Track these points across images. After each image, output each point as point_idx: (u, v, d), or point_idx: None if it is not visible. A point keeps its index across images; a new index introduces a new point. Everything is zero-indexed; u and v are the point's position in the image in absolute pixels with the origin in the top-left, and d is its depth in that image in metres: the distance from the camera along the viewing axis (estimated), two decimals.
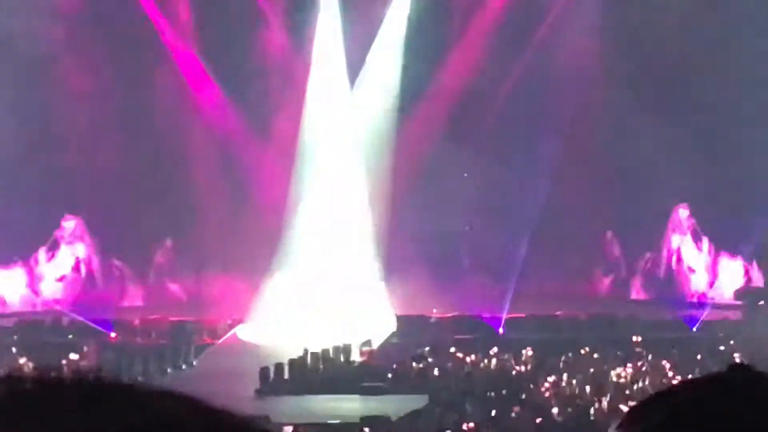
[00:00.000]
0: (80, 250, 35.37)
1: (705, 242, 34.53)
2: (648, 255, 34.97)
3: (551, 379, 26.14)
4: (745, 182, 32.52)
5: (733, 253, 33.96)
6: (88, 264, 35.52)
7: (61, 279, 35.23)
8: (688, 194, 33.96)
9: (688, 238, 34.83)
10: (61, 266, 35.22)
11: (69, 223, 35.00)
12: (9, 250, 34.51)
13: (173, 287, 35.55)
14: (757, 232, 33.15)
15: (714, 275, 34.14)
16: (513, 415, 23.54)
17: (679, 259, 34.76)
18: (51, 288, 35.01)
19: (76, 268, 35.37)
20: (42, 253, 35.13)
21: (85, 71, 34.07)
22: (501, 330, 31.18)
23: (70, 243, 35.26)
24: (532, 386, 25.88)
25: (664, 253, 34.82)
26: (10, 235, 33.55)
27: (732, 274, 34.00)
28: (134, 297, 35.40)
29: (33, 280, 35.11)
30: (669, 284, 34.50)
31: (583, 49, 32.85)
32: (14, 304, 34.67)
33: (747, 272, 33.88)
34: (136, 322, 32.23)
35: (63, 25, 33.97)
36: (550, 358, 28.09)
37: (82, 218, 34.96)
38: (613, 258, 35.06)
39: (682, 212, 34.52)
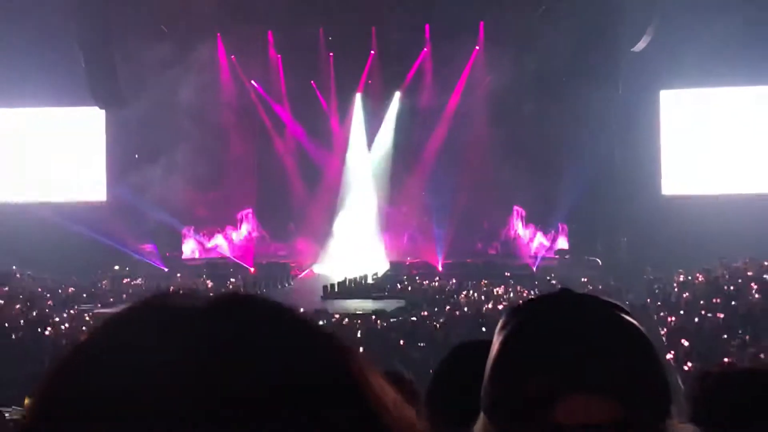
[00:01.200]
0: (245, 226, 36.69)
1: (531, 227, 34.91)
2: (505, 231, 35.42)
3: (464, 293, 27.46)
4: (554, 193, 32.69)
5: (548, 230, 34.40)
6: (249, 233, 36.69)
7: (231, 240, 36.17)
8: (521, 198, 34.03)
9: (520, 223, 35.15)
10: (234, 234, 36.48)
11: (245, 212, 36.56)
12: (210, 224, 36.19)
13: (281, 244, 36.74)
14: (561, 218, 33.54)
15: (539, 242, 34.61)
16: (446, 309, 24.70)
17: (519, 234, 35.18)
18: (227, 245, 36.11)
19: (242, 234, 36.59)
20: (228, 228, 36.41)
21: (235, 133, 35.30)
22: (440, 268, 33.14)
23: (242, 222, 36.60)
24: (455, 296, 27.24)
25: (513, 231, 35.28)
26: (213, 215, 35.70)
27: (550, 241, 34.34)
28: (264, 250, 36.24)
29: (220, 240, 36.22)
30: (518, 247, 34.85)
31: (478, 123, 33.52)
32: (204, 253, 36.03)
33: (556, 239, 34.16)
34: (263, 262, 34.55)
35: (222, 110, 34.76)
36: (464, 283, 29.52)
37: (252, 209, 36.75)
38: (492, 233, 35.95)
39: (518, 208, 34.87)
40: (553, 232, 34.54)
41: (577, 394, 1.20)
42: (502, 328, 1.33)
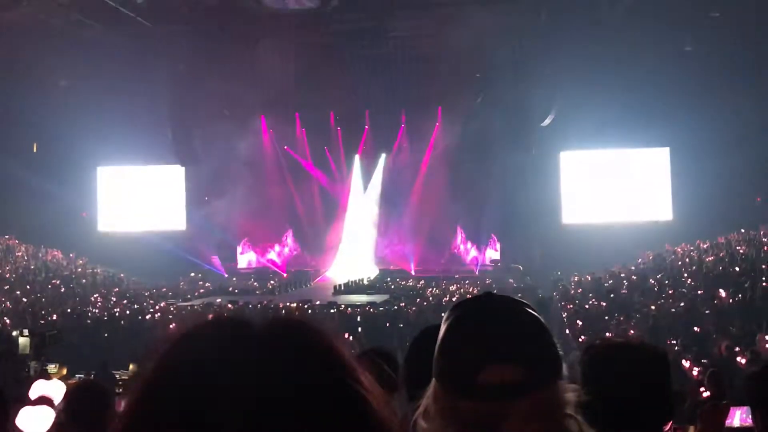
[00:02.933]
0: (285, 244, 36.06)
1: (472, 244, 34.11)
2: (455, 247, 34.64)
3: (429, 290, 27.40)
4: (488, 221, 32.22)
5: (482, 246, 33.68)
6: (285, 249, 36.07)
7: (270, 254, 35.58)
8: (462, 220, 33.51)
9: (463, 242, 34.50)
10: (272, 250, 35.78)
11: (285, 234, 35.89)
12: (257, 243, 35.62)
13: (305, 257, 35.90)
14: (493, 238, 33.30)
15: (479, 254, 33.76)
16: (417, 301, 24.16)
17: (463, 248, 34.47)
18: (268, 257, 35.45)
19: (279, 250, 35.93)
20: (269, 245, 35.75)
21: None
22: (413, 273, 32.73)
23: (283, 241, 35.96)
24: (421, 292, 27.02)
25: (459, 246, 34.62)
26: (259, 237, 35.31)
27: (485, 253, 33.64)
28: (297, 260, 35.79)
29: (264, 254, 35.59)
30: (464, 258, 34.15)
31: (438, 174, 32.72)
32: (253, 263, 35.68)
33: (485, 251, 33.51)
34: (293, 270, 34.44)
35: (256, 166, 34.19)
36: (430, 283, 29.46)
37: (292, 229, 35.93)
38: (446, 248, 34.77)
39: (461, 232, 34.25)
40: (486, 247, 33.95)
41: (494, 363, 1.24)
42: (445, 320, 1.35)
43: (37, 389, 4.52)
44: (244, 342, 0.69)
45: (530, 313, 1.32)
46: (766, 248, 21.74)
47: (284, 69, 26.87)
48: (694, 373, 10.52)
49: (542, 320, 1.32)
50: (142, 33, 24.99)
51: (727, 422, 3.60)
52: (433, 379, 1.32)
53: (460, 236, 34.76)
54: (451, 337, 1.31)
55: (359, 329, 18.88)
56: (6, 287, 26.35)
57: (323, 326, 0.76)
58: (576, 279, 27.01)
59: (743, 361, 10.73)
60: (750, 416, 2.71)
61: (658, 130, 28.14)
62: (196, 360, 0.68)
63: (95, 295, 27.14)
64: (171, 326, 19.56)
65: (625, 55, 24.67)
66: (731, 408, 3.68)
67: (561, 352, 1.32)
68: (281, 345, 0.71)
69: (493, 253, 34.08)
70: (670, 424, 2.03)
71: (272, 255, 35.78)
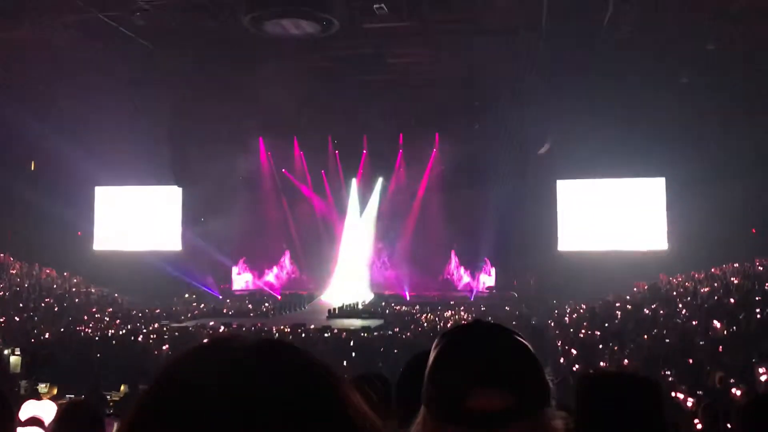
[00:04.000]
0: (278, 265, 36.00)
1: (468, 271, 34.38)
2: (449, 273, 34.68)
3: (424, 316, 27.29)
4: (485, 249, 32.45)
5: (478, 270, 33.99)
6: (281, 271, 36.10)
7: (265, 276, 35.64)
8: (457, 245, 33.73)
9: (459, 267, 34.68)
10: (268, 271, 35.90)
11: (285, 254, 35.85)
12: (251, 265, 35.70)
13: (302, 278, 35.74)
14: (485, 260, 33.34)
15: (475, 280, 34.03)
16: (411, 326, 24.30)
17: (459, 274, 34.64)
18: (267, 278, 35.51)
19: (281, 271, 36.08)
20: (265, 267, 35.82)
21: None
22: (407, 298, 32.70)
23: (279, 262, 36.08)
24: (417, 317, 27.14)
25: (453, 272, 34.71)
26: (255, 259, 35.49)
27: (480, 279, 33.90)
28: (288, 283, 35.66)
29: (260, 276, 35.65)
30: (460, 284, 34.28)
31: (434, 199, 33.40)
32: (250, 285, 35.63)
33: (478, 277, 33.77)
34: (286, 292, 34.32)
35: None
36: (424, 308, 29.47)
37: (289, 251, 35.88)
38: (440, 274, 34.68)
39: (455, 254, 34.50)
40: (480, 273, 33.98)
41: (481, 388, 1.24)
42: (435, 347, 1.36)
43: (28, 410, 4.47)
44: (233, 364, 0.72)
45: (519, 340, 1.33)
46: (761, 280, 21.62)
47: (283, 92, 26.91)
48: (689, 404, 10.51)
49: (531, 348, 1.33)
50: (141, 54, 24.98)
51: None
52: (422, 407, 1.33)
53: (454, 261, 34.73)
54: (439, 364, 1.31)
55: (353, 354, 19.01)
56: None
57: (310, 350, 0.79)
58: (571, 307, 26.85)
59: (738, 393, 10.71)
60: None
61: (653, 159, 28.27)
62: (188, 383, 0.70)
63: (88, 315, 26.95)
64: (164, 347, 19.66)
65: (622, 85, 24.86)
66: None
67: (550, 380, 1.32)
68: (271, 366, 0.73)
69: (488, 279, 34.03)
70: None
71: (270, 277, 35.65)
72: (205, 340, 0.78)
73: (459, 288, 34.20)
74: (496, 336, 1.33)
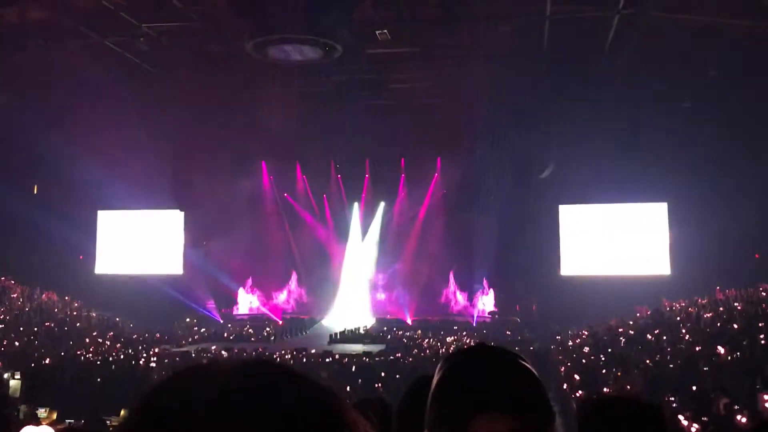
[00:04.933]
0: (292, 289, 36.11)
1: (466, 292, 34.36)
2: (449, 298, 34.61)
3: (426, 341, 27.25)
4: (484, 270, 32.64)
5: (480, 295, 33.82)
6: (290, 294, 36.19)
7: (265, 300, 35.52)
8: (458, 269, 33.86)
9: (457, 288, 34.58)
10: (284, 295, 36.01)
11: (293, 275, 35.96)
12: (263, 285, 35.54)
13: (309, 301, 35.71)
14: (487, 285, 33.44)
15: (470, 303, 34.03)
16: (414, 351, 24.38)
17: (458, 296, 34.53)
18: (273, 300, 35.53)
19: (290, 295, 36.05)
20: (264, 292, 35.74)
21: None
22: (409, 323, 32.50)
23: (289, 285, 36.06)
24: (419, 342, 27.07)
25: (456, 295, 34.61)
26: (255, 283, 35.45)
27: (481, 302, 33.85)
28: (297, 306, 35.69)
29: (267, 298, 35.56)
30: (464, 309, 34.01)
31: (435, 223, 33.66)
32: (255, 307, 35.48)
33: (481, 302, 33.77)
34: (287, 317, 34.35)
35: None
36: (426, 333, 29.37)
37: (296, 273, 35.81)
38: (441, 298, 34.49)
39: (456, 279, 34.37)
40: (480, 297, 33.88)
41: (484, 412, 1.23)
42: (438, 370, 1.36)
43: None
44: (218, 385, 0.69)
45: (522, 363, 1.33)
46: (764, 305, 21.41)
47: (285, 117, 27.12)
48: (693, 430, 10.41)
49: (534, 371, 1.33)
50: (145, 79, 25.24)
51: None
52: (426, 429, 1.31)
53: (455, 286, 34.59)
54: (443, 387, 1.31)
55: (356, 379, 18.93)
56: (0, 328, 26.10)
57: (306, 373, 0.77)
58: (573, 332, 26.78)
59: (743, 419, 10.65)
60: None
61: (656, 185, 28.20)
62: (169, 408, 0.68)
63: (89, 339, 26.84)
64: (164, 372, 19.49)
65: (623, 110, 24.86)
66: None
67: (553, 404, 1.32)
68: (258, 383, 0.70)
69: (488, 302, 33.89)
70: None
71: (282, 296, 35.59)
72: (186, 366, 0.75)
73: (455, 311, 34.04)
74: (500, 359, 1.33)
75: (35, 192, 31.71)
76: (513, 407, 1.24)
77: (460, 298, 34.32)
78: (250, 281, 35.04)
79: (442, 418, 1.28)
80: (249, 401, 0.67)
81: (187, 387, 0.70)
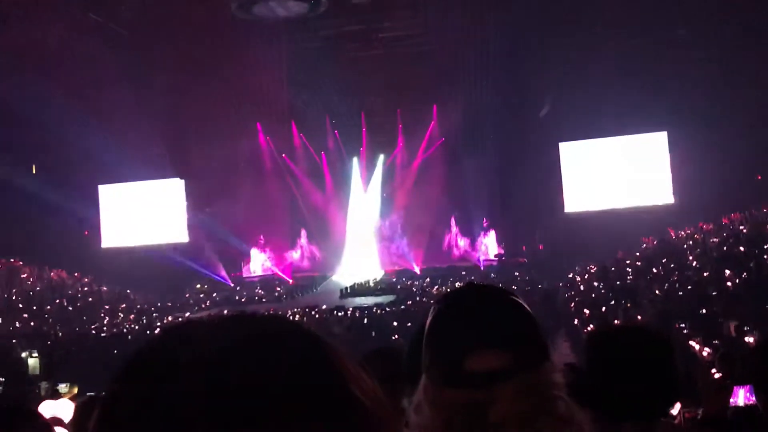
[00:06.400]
0: (302, 245, 35.47)
1: (470, 237, 33.85)
2: (455, 243, 34.20)
3: (435, 288, 27.60)
4: (487, 213, 32.63)
5: (485, 238, 33.47)
6: (298, 252, 35.65)
7: (275, 259, 34.98)
8: (461, 215, 33.57)
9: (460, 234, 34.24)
10: (297, 251, 35.62)
11: (302, 233, 35.32)
12: (274, 243, 35.11)
13: (321, 257, 35.22)
14: (492, 228, 33.26)
15: (477, 248, 33.48)
16: (423, 299, 24.10)
17: (463, 242, 34.07)
18: (276, 263, 34.88)
19: (303, 253, 35.53)
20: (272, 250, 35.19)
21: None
22: (418, 272, 32.55)
23: (299, 242, 35.59)
24: (427, 291, 27.35)
25: (462, 241, 34.15)
26: (262, 243, 35.08)
27: (484, 243, 33.52)
28: (311, 264, 35.19)
29: (279, 257, 35.07)
30: (466, 252, 33.85)
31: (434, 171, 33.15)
32: (267, 267, 35.00)
33: (487, 245, 33.47)
34: (298, 275, 34.16)
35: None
36: (434, 281, 29.57)
37: (305, 230, 35.21)
38: (449, 244, 34.32)
39: (459, 224, 34.08)
40: (484, 239, 33.72)
41: (476, 349, 1.24)
42: (430, 312, 1.36)
43: (45, 411, 4.47)
44: (202, 334, 0.64)
45: (513, 299, 1.33)
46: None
47: (277, 75, 26.89)
48: (705, 354, 10.53)
49: (525, 306, 1.32)
50: (132, 49, 25.04)
51: (732, 401, 3.52)
52: (423, 372, 1.33)
53: (457, 231, 34.48)
54: (435, 328, 1.32)
55: (371, 332, 19.04)
56: (13, 309, 26.31)
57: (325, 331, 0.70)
58: (581, 268, 26.76)
59: (752, 340, 10.64)
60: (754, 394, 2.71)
61: (654, 114, 27.88)
62: (153, 372, 0.64)
63: (101, 313, 27.14)
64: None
65: (618, 39, 24.57)
66: (735, 387, 3.61)
67: (546, 336, 1.32)
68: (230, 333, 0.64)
69: (492, 244, 33.86)
70: (678, 407, 2.02)
71: (296, 255, 35.34)
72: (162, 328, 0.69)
73: (459, 256, 34.01)
74: (490, 297, 1.33)
75: (34, 172, 31.70)
76: (504, 343, 1.25)
77: (462, 243, 34.20)
78: (261, 240, 34.81)
79: (435, 360, 1.29)
80: (226, 363, 0.60)
81: (168, 349, 0.64)
